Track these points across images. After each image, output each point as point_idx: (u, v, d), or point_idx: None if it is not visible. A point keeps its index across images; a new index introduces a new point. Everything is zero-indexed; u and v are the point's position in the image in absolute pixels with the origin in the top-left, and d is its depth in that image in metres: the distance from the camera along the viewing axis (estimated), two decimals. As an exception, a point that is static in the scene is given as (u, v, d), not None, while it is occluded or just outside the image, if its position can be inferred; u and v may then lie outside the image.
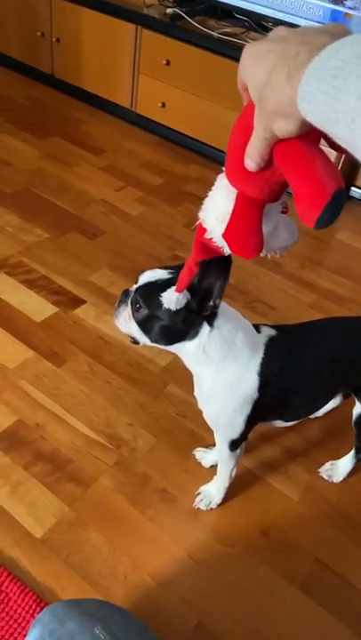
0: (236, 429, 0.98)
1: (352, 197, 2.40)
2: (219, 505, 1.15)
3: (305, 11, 2.08)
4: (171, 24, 2.30)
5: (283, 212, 0.63)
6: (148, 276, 0.88)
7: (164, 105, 2.46)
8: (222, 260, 0.74)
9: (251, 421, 0.98)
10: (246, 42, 2.19)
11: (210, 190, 0.63)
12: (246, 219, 0.59)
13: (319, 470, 1.25)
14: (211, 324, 0.87)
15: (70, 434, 1.26)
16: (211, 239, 0.65)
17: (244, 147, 0.52)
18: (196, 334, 0.87)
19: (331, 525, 1.17)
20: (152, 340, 0.90)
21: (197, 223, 0.66)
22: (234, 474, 1.12)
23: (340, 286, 1.86)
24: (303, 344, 1.00)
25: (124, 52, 2.47)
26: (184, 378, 1.42)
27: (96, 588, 1.01)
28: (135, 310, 0.88)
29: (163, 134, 2.56)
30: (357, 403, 1.13)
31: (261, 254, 0.62)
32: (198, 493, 1.16)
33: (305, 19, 2.09)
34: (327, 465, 1.26)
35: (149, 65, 2.42)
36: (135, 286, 0.90)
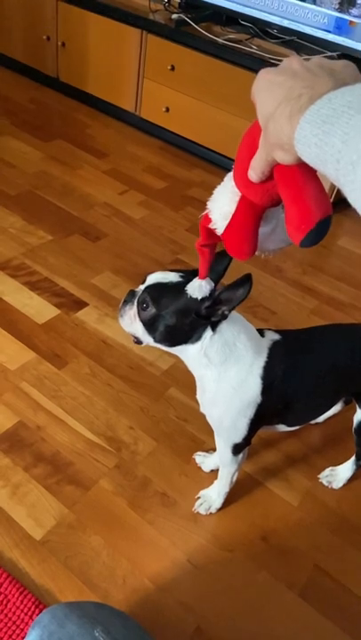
0: (239, 433, 0.98)
1: (354, 204, 2.40)
2: (218, 510, 1.15)
3: (310, 18, 2.09)
4: (176, 30, 2.31)
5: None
6: (158, 277, 0.88)
7: (168, 110, 2.47)
8: (247, 278, 0.80)
9: (254, 425, 0.98)
10: (251, 48, 2.21)
11: (217, 187, 0.67)
12: (244, 225, 0.63)
13: (319, 476, 1.25)
14: (214, 329, 0.87)
15: (71, 436, 1.26)
16: (214, 229, 0.69)
17: (249, 159, 0.55)
18: (198, 337, 0.88)
19: (330, 531, 1.17)
20: (155, 341, 0.90)
21: (204, 213, 0.70)
22: (235, 479, 1.12)
23: (342, 292, 1.87)
24: (307, 349, 1.00)
25: (129, 57, 2.48)
26: (185, 381, 1.43)
27: (95, 590, 1.00)
28: (142, 309, 0.88)
29: (166, 139, 2.57)
30: (358, 409, 1.13)
31: (256, 254, 0.66)
32: (198, 497, 1.16)
33: (310, 26, 2.11)
34: (327, 471, 1.26)
35: (154, 70, 2.44)
36: (143, 286, 0.90)
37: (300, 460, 1.30)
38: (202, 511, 1.14)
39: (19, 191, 2.06)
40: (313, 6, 2.06)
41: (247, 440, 1.01)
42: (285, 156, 0.49)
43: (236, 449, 1.02)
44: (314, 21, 2.10)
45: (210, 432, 1.32)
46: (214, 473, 1.20)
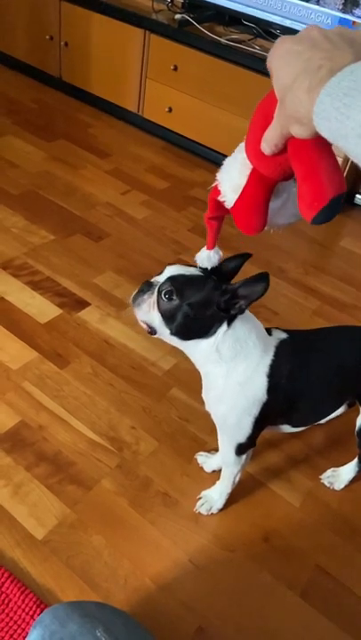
0: (243, 432, 0.98)
1: (356, 205, 2.40)
2: (220, 510, 1.15)
3: (313, 19, 2.09)
4: (179, 30, 2.31)
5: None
6: (179, 269, 0.87)
7: (170, 110, 2.47)
8: (265, 275, 0.80)
9: (259, 424, 0.98)
10: (253, 48, 2.20)
11: (227, 158, 0.65)
12: (255, 198, 0.61)
13: (321, 477, 1.25)
14: (229, 324, 0.88)
15: (73, 436, 1.26)
16: (223, 201, 0.67)
17: (262, 131, 0.53)
18: (213, 332, 0.88)
19: (332, 532, 1.17)
20: (172, 333, 0.89)
21: (213, 185, 0.68)
22: (237, 480, 1.11)
23: (344, 293, 1.86)
24: (313, 349, 1.00)
25: (131, 57, 2.48)
26: (187, 381, 1.43)
27: (96, 590, 1.01)
28: (165, 299, 0.87)
29: (169, 139, 2.57)
30: None
31: (265, 229, 0.65)
32: (200, 498, 1.16)
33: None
34: (329, 472, 1.26)
35: (157, 70, 2.44)
36: (161, 277, 0.89)
37: (302, 461, 1.30)
38: (203, 511, 1.14)
39: (21, 191, 2.06)
40: (316, 6, 2.06)
41: (251, 440, 1.00)
42: (302, 130, 0.47)
43: (240, 449, 1.02)
44: (317, 22, 2.09)
45: (212, 432, 1.32)
46: (216, 473, 1.20)
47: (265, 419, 0.97)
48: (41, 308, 1.58)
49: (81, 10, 2.54)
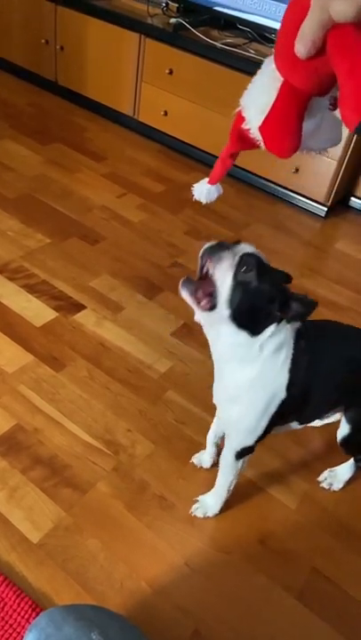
0: (255, 434, 0.96)
1: (352, 207, 2.41)
2: (216, 515, 1.15)
3: (307, 23, 2.09)
4: (174, 34, 2.32)
5: (330, 109, 0.58)
6: (259, 253, 0.82)
7: (166, 113, 2.48)
8: (314, 304, 0.81)
9: (271, 424, 0.95)
10: (248, 52, 2.21)
11: (253, 79, 0.58)
12: (287, 114, 0.54)
13: (318, 479, 1.25)
14: (279, 321, 0.85)
15: (68, 439, 1.26)
16: (248, 130, 0.59)
17: (295, 32, 0.48)
18: (262, 330, 0.84)
19: (328, 534, 1.17)
20: (231, 307, 0.80)
21: (237, 110, 0.61)
22: (233, 487, 1.11)
23: (340, 296, 1.87)
24: (326, 339, 0.99)
25: (127, 61, 2.49)
26: (183, 384, 1.43)
27: (92, 593, 1.00)
28: (245, 271, 0.79)
29: (164, 142, 2.58)
30: (343, 422, 1.12)
31: (298, 152, 0.58)
32: (196, 500, 1.16)
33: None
34: (325, 473, 1.26)
35: (152, 74, 2.44)
36: (245, 249, 0.82)
37: (299, 464, 1.30)
38: (199, 514, 1.14)
39: (17, 194, 2.06)
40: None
41: (256, 444, 0.99)
42: (346, 6, 0.41)
43: (241, 453, 1.00)
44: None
45: (208, 434, 1.32)
46: (213, 475, 1.20)
47: (279, 417, 0.95)
48: (37, 312, 1.58)
49: (77, 14, 2.55)
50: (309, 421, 1.12)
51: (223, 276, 0.80)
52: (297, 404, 0.97)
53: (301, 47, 0.47)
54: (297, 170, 2.24)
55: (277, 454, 1.31)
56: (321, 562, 1.11)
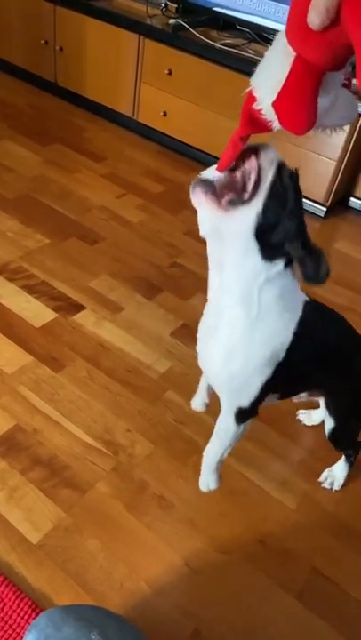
0: (249, 394, 0.88)
1: (350, 207, 2.41)
2: (211, 489, 1.06)
3: (306, 23, 2.10)
4: (173, 34, 2.32)
5: (344, 86, 0.57)
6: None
7: (165, 114, 2.48)
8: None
9: (266, 388, 0.88)
10: (247, 53, 2.22)
11: (264, 57, 0.56)
12: (301, 88, 0.52)
13: (319, 480, 1.25)
14: (286, 266, 0.78)
15: (68, 439, 1.25)
16: (259, 110, 0.57)
17: (308, 2, 0.45)
18: (273, 259, 0.75)
19: (328, 534, 1.17)
20: (263, 201, 0.71)
21: (247, 90, 0.58)
22: (226, 456, 1.01)
23: (340, 296, 1.87)
24: (325, 317, 0.99)
25: (126, 61, 2.49)
26: (183, 384, 1.43)
27: (92, 594, 1.00)
28: (281, 174, 0.71)
29: (164, 143, 2.58)
30: (326, 416, 1.12)
31: (312, 131, 0.56)
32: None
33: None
34: (325, 473, 1.26)
35: (152, 74, 2.45)
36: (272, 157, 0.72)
37: (298, 463, 1.30)
38: (202, 488, 1.05)
39: (17, 195, 2.06)
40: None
41: (254, 406, 0.90)
42: None
43: (241, 416, 0.92)
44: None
45: (207, 435, 1.32)
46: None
47: (273, 384, 0.88)
48: (36, 312, 1.58)
49: (76, 14, 2.55)
50: (288, 397, 1.07)
51: (269, 165, 0.70)
52: (290, 372, 0.90)
53: (315, 17, 0.44)
54: (296, 170, 2.24)
55: (277, 454, 1.31)
56: (321, 562, 1.11)
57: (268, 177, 0.70)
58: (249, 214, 0.71)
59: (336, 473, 1.25)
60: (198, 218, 0.77)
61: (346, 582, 1.09)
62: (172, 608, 1.01)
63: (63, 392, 1.36)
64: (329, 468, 1.26)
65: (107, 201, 2.14)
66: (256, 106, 0.57)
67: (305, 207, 2.47)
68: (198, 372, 1.47)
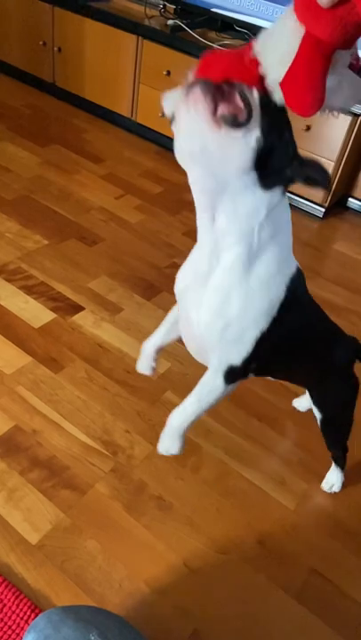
0: (242, 348, 0.81)
1: (349, 208, 2.42)
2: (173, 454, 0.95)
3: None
4: (171, 35, 2.33)
5: (351, 67, 0.56)
6: None
7: (164, 115, 2.48)
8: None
9: (259, 346, 0.81)
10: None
11: (271, 25, 0.54)
12: (310, 69, 0.51)
13: (321, 486, 1.25)
14: (283, 193, 0.73)
15: (67, 440, 1.26)
16: (258, 69, 0.54)
17: None
18: (271, 187, 0.70)
19: (327, 535, 1.17)
20: (261, 135, 0.64)
21: (247, 45, 0.55)
22: (201, 414, 0.91)
23: (338, 296, 1.87)
24: (312, 299, 0.96)
25: (125, 62, 2.49)
26: (181, 385, 1.43)
27: (91, 594, 1.00)
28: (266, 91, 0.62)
29: (162, 143, 2.58)
30: (314, 409, 1.11)
31: (319, 112, 0.55)
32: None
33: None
34: (323, 483, 1.26)
35: (150, 75, 2.45)
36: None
37: (297, 464, 1.30)
38: (161, 451, 0.95)
39: (15, 196, 2.06)
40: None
41: (246, 364, 0.84)
42: None
43: (230, 375, 0.85)
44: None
45: (206, 436, 1.33)
46: (213, 475, 1.20)
47: (266, 344, 0.82)
48: (35, 313, 1.58)
49: (74, 16, 2.55)
50: (263, 375, 0.99)
51: (250, 91, 0.62)
52: (277, 344, 0.84)
53: None
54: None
55: (276, 455, 1.31)
56: (320, 562, 1.12)
57: (255, 95, 0.61)
58: (247, 139, 0.63)
59: (332, 479, 1.24)
60: (181, 130, 0.66)
61: (345, 583, 1.09)
62: (171, 608, 1.01)
63: (62, 393, 1.36)
64: (326, 478, 1.25)
65: (105, 202, 2.14)
66: (263, 71, 0.55)
67: (303, 208, 2.48)
68: (197, 373, 1.47)
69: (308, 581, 1.08)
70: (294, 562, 1.11)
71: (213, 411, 1.38)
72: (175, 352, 1.53)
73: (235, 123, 0.61)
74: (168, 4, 2.45)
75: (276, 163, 0.67)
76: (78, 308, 1.62)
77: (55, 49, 2.69)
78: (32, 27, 2.73)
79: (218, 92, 0.61)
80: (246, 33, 2.29)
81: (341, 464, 1.22)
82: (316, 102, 0.53)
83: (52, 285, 1.68)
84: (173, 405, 1.40)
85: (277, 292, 0.80)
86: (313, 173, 0.68)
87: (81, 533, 1.09)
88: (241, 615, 1.02)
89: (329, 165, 2.16)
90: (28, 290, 1.65)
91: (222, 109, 0.61)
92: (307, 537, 1.16)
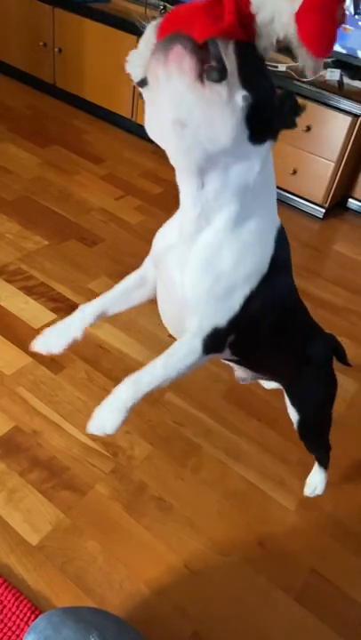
0: (229, 308, 0.74)
1: (349, 209, 2.42)
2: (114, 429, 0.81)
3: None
4: (172, 36, 2.32)
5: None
6: None
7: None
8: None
9: (246, 307, 0.75)
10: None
11: None
12: (325, 4, 0.47)
13: (304, 491, 1.22)
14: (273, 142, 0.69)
15: (67, 441, 1.25)
16: (250, 13, 0.49)
17: None
18: (263, 142, 0.66)
19: (327, 535, 1.17)
20: (240, 80, 0.59)
21: None
22: (164, 383, 0.81)
23: (338, 296, 1.87)
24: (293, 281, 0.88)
25: (125, 63, 2.49)
26: (182, 386, 1.43)
27: (91, 595, 1.00)
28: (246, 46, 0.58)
29: (163, 144, 2.58)
30: (289, 406, 1.05)
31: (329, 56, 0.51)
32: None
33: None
34: (306, 487, 1.22)
35: (150, 76, 2.45)
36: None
37: (297, 464, 1.30)
38: (93, 431, 0.81)
39: (15, 196, 2.06)
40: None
41: (230, 328, 0.76)
42: None
43: (211, 341, 0.77)
44: (308, 28, 2.11)
45: (207, 436, 1.33)
46: (213, 475, 1.20)
47: (253, 307, 0.75)
48: (35, 314, 1.58)
49: (74, 16, 2.55)
50: (242, 358, 0.92)
51: (225, 42, 0.56)
52: (258, 315, 0.78)
53: None
54: (295, 171, 2.25)
55: (276, 456, 1.31)
56: (320, 563, 1.11)
57: (231, 46, 0.56)
58: (233, 100, 0.58)
59: (314, 481, 1.21)
60: (159, 97, 0.59)
61: (345, 583, 1.09)
62: (171, 609, 1.01)
63: (62, 393, 1.36)
64: (307, 481, 1.22)
65: (106, 203, 2.14)
66: (251, 9, 0.50)
67: (304, 209, 2.48)
68: (197, 374, 1.47)
69: (308, 582, 1.08)
70: (294, 562, 1.11)
71: (214, 411, 1.38)
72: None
73: (222, 77, 0.56)
74: (168, 5, 2.44)
75: (266, 116, 0.63)
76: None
77: (55, 50, 2.69)
78: (32, 28, 2.73)
79: (200, 47, 0.55)
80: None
81: (325, 464, 1.18)
82: (333, 39, 0.48)
83: (52, 286, 1.68)
84: (173, 406, 1.41)
85: (268, 246, 0.75)
86: (295, 109, 0.65)
87: (81, 534, 1.09)
88: (241, 616, 1.02)
89: (329, 166, 2.16)
90: (29, 290, 1.65)
91: (207, 66, 0.56)
92: (307, 537, 1.16)
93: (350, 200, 2.41)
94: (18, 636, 0.92)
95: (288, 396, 1.05)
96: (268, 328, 0.85)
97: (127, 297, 0.96)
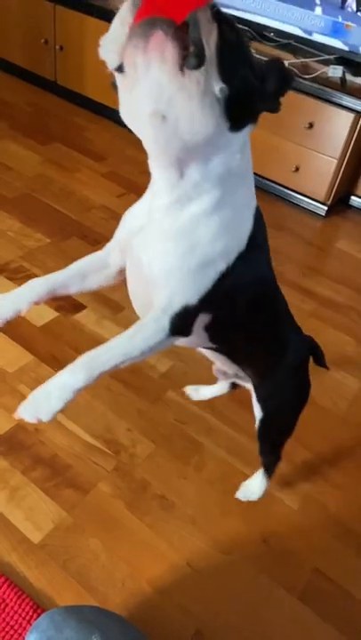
0: (201, 285, 0.70)
1: (352, 206, 2.41)
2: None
3: (306, 22, 2.10)
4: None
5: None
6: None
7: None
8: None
9: (218, 287, 0.71)
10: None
11: None
12: None
13: (236, 494, 1.18)
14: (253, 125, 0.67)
15: (69, 439, 1.25)
16: None
17: None
18: (243, 127, 0.63)
19: (330, 535, 1.16)
20: (222, 79, 0.56)
21: None
22: (123, 364, 0.73)
23: (340, 294, 1.87)
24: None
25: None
26: (184, 384, 1.43)
27: (93, 594, 1.00)
28: (229, 30, 0.55)
29: (164, 142, 2.57)
30: (255, 408, 1.01)
31: None
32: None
33: (305, 30, 2.11)
34: (241, 488, 1.18)
35: (152, 73, 2.44)
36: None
37: (301, 463, 1.30)
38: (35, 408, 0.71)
39: (17, 194, 2.06)
40: (309, 10, 2.07)
41: (200, 306, 0.72)
42: None
43: (179, 318, 0.72)
44: (310, 25, 2.10)
45: (209, 434, 1.32)
46: (214, 475, 1.20)
47: (225, 284, 0.72)
48: (37, 311, 1.57)
49: (75, 13, 2.54)
50: (214, 341, 0.87)
51: (208, 26, 0.53)
52: (234, 293, 0.75)
53: None
54: (297, 169, 2.24)
55: (279, 454, 1.31)
56: (323, 562, 1.11)
57: (214, 31, 0.53)
58: (212, 83, 0.55)
59: (253, 487, 1.17)
60: (138, 86, 0.57)
61: (348, 583, 1.09)
62: (173, 608, 1.00)
63: (64, 392, 1.36)
64: (244, 484, 1.19)
65: (107, 200, 2.13)
66: None
67: (306, 207, 2.47)
68: (199, 372, 1.47)
69: (311, 581, 1.08)
70: (297, 562, 1.11)
71: (216, 410, 1.38)
72: (178, 351, 1.52)
73: (200, 63, 0.53)
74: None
75: (246, 104, 0.61)
76: (80, 307, 1.62)
77: (57, 47, 2.69)
78: (33, 25, 2.72)
79: (181, 30, 0.52)
80: (249, 31, 2.28)
81: (270, 473, 1.13)
82: None
83: (53, 284, 1.68)
84: (176, 404, 1.41)
85: (247, 223, 0.73)
86: (279, 88, 0.62)
87: (83, 532, 1.08)
88: (244, 615, 1.01)
89: (332, 163, 2.15)
90: (30, 288, 1.64)
91: (187, 52, 0.52)
92: (310, 537, 1.16)
93: (353, 197, 2.40)
94: (20, 634, 0.91)
95: (257, 391, 0.99)
96: (244, 307, 0.81)
97: (83, 278, 0.91)
